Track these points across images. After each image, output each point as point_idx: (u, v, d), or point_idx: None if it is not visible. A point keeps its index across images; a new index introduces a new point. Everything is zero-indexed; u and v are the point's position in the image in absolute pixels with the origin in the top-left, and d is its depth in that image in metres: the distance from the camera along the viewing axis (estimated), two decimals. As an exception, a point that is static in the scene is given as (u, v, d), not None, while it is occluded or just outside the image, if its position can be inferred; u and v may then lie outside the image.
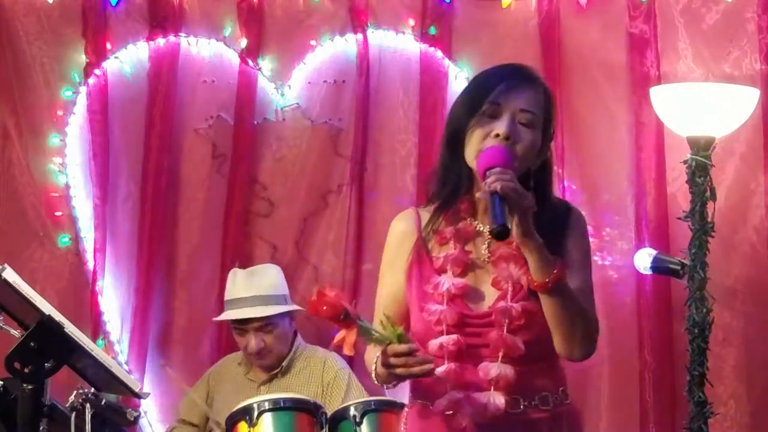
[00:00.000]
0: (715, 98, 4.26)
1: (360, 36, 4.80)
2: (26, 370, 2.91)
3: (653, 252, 4.38)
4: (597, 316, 2.61)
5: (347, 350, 2.47)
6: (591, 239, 4.52)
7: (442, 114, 4.57)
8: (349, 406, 3.93)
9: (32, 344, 2.92)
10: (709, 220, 4.32)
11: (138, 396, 3.58)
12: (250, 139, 4.84)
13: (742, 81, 4.55)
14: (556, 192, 4.47)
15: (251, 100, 4.84)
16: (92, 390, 3.49)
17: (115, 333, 4.85)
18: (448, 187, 2.61)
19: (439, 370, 2.50)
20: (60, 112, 4.88)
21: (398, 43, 4.82)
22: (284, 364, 4.35)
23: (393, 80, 4.82)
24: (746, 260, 4.68)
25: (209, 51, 4.87)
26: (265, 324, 4.29)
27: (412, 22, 4.79)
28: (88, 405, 3.49)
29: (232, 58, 4.85)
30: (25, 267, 4.71)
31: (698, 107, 4.26)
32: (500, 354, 2.53)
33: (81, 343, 3.07)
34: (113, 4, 4.86)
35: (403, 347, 2.45)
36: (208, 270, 4.84)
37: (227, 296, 4.38)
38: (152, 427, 4.82)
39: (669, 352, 4.64)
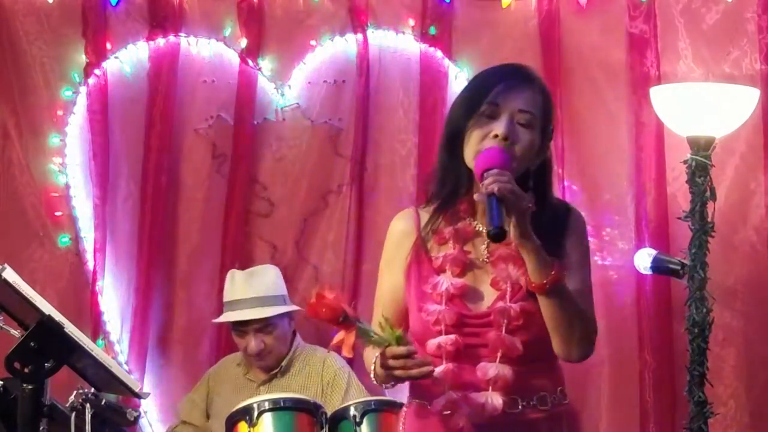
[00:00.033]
0: (715, 98, 4.26)
1: (360, 36, 4.80)
2: (26, 370, 2.91)
3: (653, 252, 4.38)
4: (595, 317, 2.61)
5: (346, 352, 2.48)
6: (591, 239, 4.55)
7: (442, 114, 4.57)
8: (349, 406, 3.93)
9: (32, 344, 2.92)
10: (709, 220, 4.32)
11: (138, 396, 3.59)
12: (250, 139, 4.84)
13: (742, 81, 4.55)
14: (556, 192, 4.49)
15: (251, 100, 4.84)
16: (92, 390, 3.49)
17: (115, 333, 4.85)
18: (447, 187, 2.61)
19: (437, 370, 2.50)
20: (60, 112, 4.88)
21: (398, 43, 4.82)
22: (283, 364, 4.35)
23: (393, 80, 4.82)
24: (746, 260, 4.68)
25: (209, 51, 4.87)
26: (265, 325, 4.29)
27: (412, 22, 4.80)
28: (88, 405, 3.49)
29: (232, 58, 4.85)
30: (25, 267, 4.71)
31: (698, 107, 4.26)
32: (498, 354, 2.53)
33: (81, 343, 3.08)
34: (113, 4, 4.86)
35: (401, 349, 2.45)
36: (208, 270, 4.84)
37: (226, 298, 4.38)
38: (152, 427, 4.82)
39: (669, 352, 4.64)
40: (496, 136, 2.51)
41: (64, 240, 4.89)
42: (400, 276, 2.65)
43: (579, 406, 4.65)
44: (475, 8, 4.80)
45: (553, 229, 2.58)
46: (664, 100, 4.38)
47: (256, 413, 3.85)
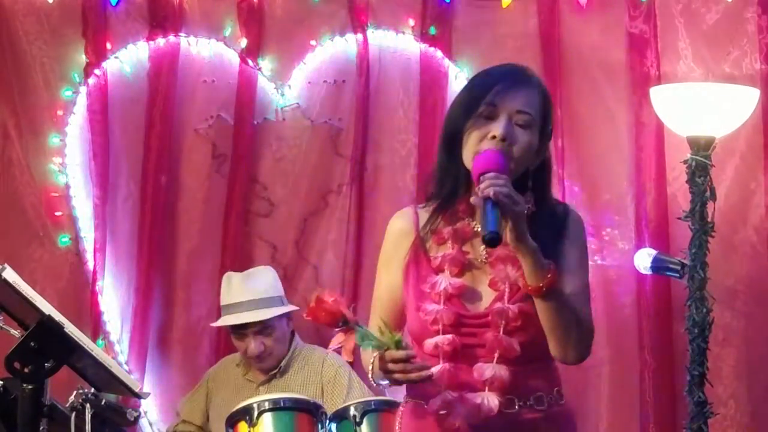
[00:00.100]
0: (715, 98, 4.26)
1: (360, 36, 4.80)
2: (26, 370, 2.91)
3: (653, 252, 4.38)
4: (592, 319, 2.61)
5: (346, 356, 2.48)
6: (591, 239, 4.60)
7: (442, 114, 4.56)
8: (349, 406, 3.94)
9: (32, 344, 2.92)
10: (709, 220, 4.32)
11: (138, 396, 3.59)
12: (250, 139, 4.84)
13: (742, 81, 4.55)
14: (557, 192, 4.50)
15: (251, 100, 4.84)
16: (92, 390, 3.49)
17: (115, 333, 4.85)
18: (446, 188, 2.61)
19: (434, 369, 2.50)
20: (60, 112, 4.88)
21: (398, 43, 4.82)
22: (282, 364, 4.34)
23: (393, 80, 4.83)
24: (746, 260, 4.68)
25: (209, 51, 4.87)
26: (264, 327, 4.28)
27: (412, 22, 4.80)
28: (88, 405, 3.49)
29: (232, 58, 4.85)
30: (25, 267, 4.71)
31: (698, 107, 4.26)
32: (496, 355, 2.53)
33: (81, 343, 3.08)
34: (113, 4, 4.86)
35: (400, 354, 2.45)
36: (208, 270, 4.84)
37: (223, 301, 4.37)
38: (152, 427, 4.82)
39: (669, 352, 4.64)
40: (494, 137, 2.51)
41: (64, 240, 4.89)
42: (398, 275, 2.65)
43: (579, 406, 4.65)
44: (475, 8, 4.80)
45: (551, 230, 2.58)
46: (664, 100, 4.38)
47: (256, 413, 3.86)
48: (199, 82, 4.88)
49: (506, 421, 2.54)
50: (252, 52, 4.83)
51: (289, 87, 4.85)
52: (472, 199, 2.48)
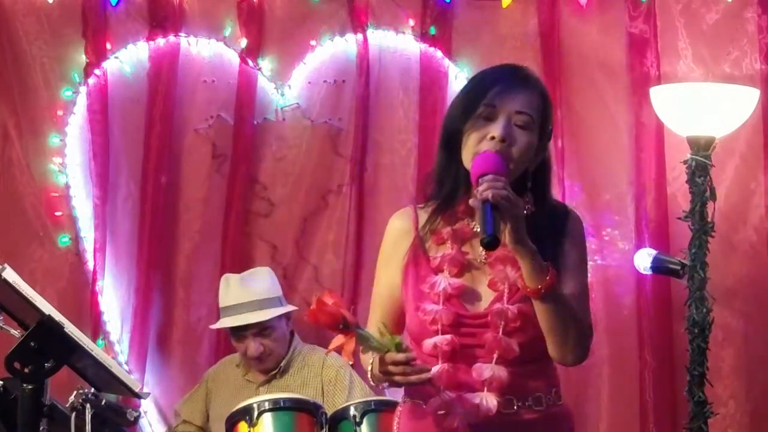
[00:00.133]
0: (715, 98, 4.26)
1: (360, 36, 4.80)
2: (26, 370, 2.92)
3: (653, 252, 4.38)
4: (591, 321, 2.61)
5: (346, 357, 2.48)
6: (591, 239, 4.60)
7: (442, 114, 4.53)
8: (349, 406, 3.94)
9: (32, 344, 2.92)
10: (709, 220, 4.33)
11: (138, 396, 3.59)
12: (250, 139, 4.84)
13: (742, 81, 4.55)
14: (557, 193, 4.51)
15: (251, 100, 4.84)
16: (92, 390, 3.49)
17: (115, 333, 4.84)
18: (445, 188, 2.61)
19: (433, 370, 2.51)
20: (60, 112, 4.88)
21: (398, 43, 4.82)
22: (282, 364, 4.34)
23: (393, 80, 4.83)
24: (746, 260, 4.68)
25: (209, 51, 4.87)
26: (263, 328, 4.28)
27: (412, 22, 4.80)
28: (88, 405, 3.49)
29: (232, 58, 4.85)
30: (25, 267, 4.71)
31: (698, 107, 4.26)
32: (495, 355, 2.53)
33: (81, 343, 3.08)
34: (113, 4, 4.86)
35: (401, 356, 2.46)
36: (208, 270, 4.84)
37: (222, 303, 4.36)
38: (152, 427, 4.82)
39: (669, 352, 4.64)
40: (493, 137, 2.51)
41: (64, 240, 4.89)
42: (397, 274, 2.65)
43: (579, 406, 4.66)
44: (475, 8, 4.80)
45: (551, 231, 2.58)
46: (664, 100, 4.38)
47: (256, 413, 3.86)
48: (199, 82, 4.88)
49: (505, 422, 2.54)
50: (252, 52, 4.83)
51: (289, 87, 4.85)
52: (471, 201, 2.48)
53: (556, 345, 2.53)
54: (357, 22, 4.80)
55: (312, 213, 4.84)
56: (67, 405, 3.52)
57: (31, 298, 3.07)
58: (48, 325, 2.96)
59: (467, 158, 2.54)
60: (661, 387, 4.64)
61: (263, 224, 4.86)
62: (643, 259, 4.36)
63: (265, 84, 4.85)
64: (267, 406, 3.89)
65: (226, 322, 4.31)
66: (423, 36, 4.78)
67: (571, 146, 4.72)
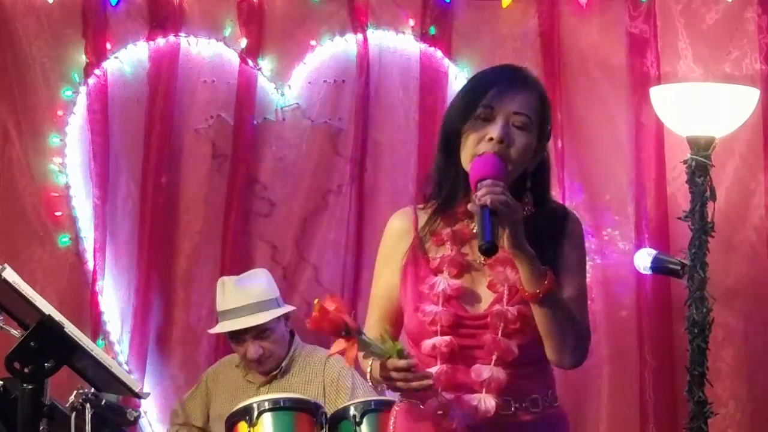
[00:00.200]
0: (715, 98, 4.26)
1: (360, 36, 4.80)
2: (26, 370, 2.91)
3: (653, 252, 4.38)
4: (589, 324, 2.61)
5: (348, 363, 2.49)
6: (591, 239, 4.60)
7: (442, 114, 4.55)
8: (349, 406, 3.94)
9: (32, 344, 2.92)
10: (709, 220, 4.33)
11: (138, 396, 3.59)
12: (250, 139, 4.84)
13: (742, 81, 4.55)
14: (556, 193, 4.51)
15: (251, 100, 4.84)
16: (92, 390, 3.49)
17: (115, 333, 4.84)
18: (444, 190, 2.61)
19: (432, 371, 2.51)
20: (60, 112, 4.88)
21: (398, 43, 4.82)
22: (283, 365, 4.33)
23: (393, 80, 4.83)
24: (746, 260, 4.68)
25: (209, 51, 4.87)
26: (262, 330, 4.26)
27: (412, 22, 4.80)
28: (88, 405, 3.49)
29: (232, 58, 4.85)
30: (25, 267, 4.71)
31: (698, 107, 4.26)
32: (494, 357, 2.53)
33: (81, 343, 3.08)
34: (113, 4, 4.86)
35: (402, 363, 2.46)
36: (208, 270, 4.84)
37: (219, 307, 4.34)
38: (152, 427, 4.82)
39: (669, 352, 4.64)
40: (491, 139, 2.51)
41: (64, 240, 4.89)
42: (396, 274, 2.65)
43: (579, 405, 4.66)
44: (475, 8, 4.80)
45: (550, 232, 2.58)
46: (664, 100, 4.38)
47: (255, 413, 3.86)
48: (199, 82, 4.88)
49: (502, 423, 2.54)
50: (252, 52, 4.83)
51: (289, 87, 4.85)
52: (470, 206, 2.48)
53: (554, 348, 2.53)
54: (357, 22, 4.80)
55: (312, 213, 4.84)
56: (67, 405, 3.52)
57: (31, 298, 3.07)
58: (48, 325, 2.96)
59: (466, 159, 2.54)
60: (661, 387, 4.64)
61: (263, 224, 4.86)
62: (643, 259, 4.36)
63: (265, 84, 4.85)
64: (267, 405, 3.88)
65: (224, 326, 4.29)
66: (423, 36, 4.78)
67: (571, 146, 4.72)
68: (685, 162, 4.35)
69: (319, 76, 4.84)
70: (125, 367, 4.74)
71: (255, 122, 4.84)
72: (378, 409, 3.87)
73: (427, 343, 2.56)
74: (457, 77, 4.73)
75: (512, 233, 2.43)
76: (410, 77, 4.80)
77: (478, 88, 2.58)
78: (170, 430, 4.53)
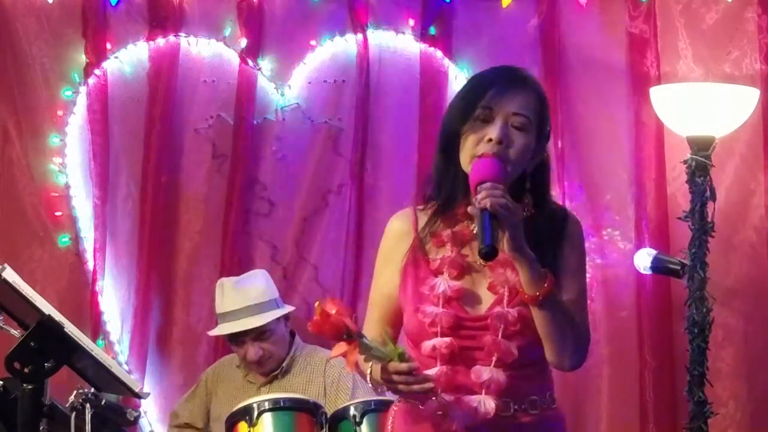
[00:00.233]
0: (715, 98, 4.26)
1: (360, 36, 4.80)
2: (26, 370, 2.92)
3: (653, 252, 4.38)
4: (589, 326, 2.61)
5: (349, 367, 2.48)
6: (591, 239, 4.60)
7: (442, 114, 4.56)
8: (349, 406, 3.93)
9: (32, 344, 2.92)
10: (709, 220, 4.33)
11: (138, 396, 3.59)
12: (250, 139, 4.84)
13: (742, 81, 4.55)
14: (556, 193, 4.51)
15: (251, 100, 4.84)
16: (92, 390, 3.49)
17: (115, 333, 4.85)
18: (444, 191, 2.60)
19: (431, 372, 2.51)
20: (60, 112, 4.88)
21: (398, 43, 4.82)
22: (284, 365, 4.33)
23: (393, 80, 4.83)
24: (746, 260, 4.68)
25: (209, 51, 4.87)
26: (261, 332, 4.25)
27: (412, 22, 4.80)
28: (88, 405, 3.49)
29: (232, 58, 4.85)
30: (25, 267, 4.71)
31: (698, 107, 4.26)
32: (494, 358, 2.53)
33: (81, 343, 3.08)
34: (113, 4, 4.86)
35: (404, 366, 2.46)
36: (208, 270, 4.84)
37: (218, 309, 4.33)
38: (152, 427, 4.82)
39: (669, 352, 4.64)
40: (490, 140, 2.51)
41: (64, 240, 4.89)
42: (395, 275, 2.65)
43: (579, 405, 4.66)
44: (475, 8, 4.81)
45: (550, 234, 2.57)
46: (664, 100, 4.38)
47: (255, 413, 3.86)
48: (199, 82, 4.88)
49: (501, 425, 2.54)
50: (252, 52, 4.83)
51: (289, 87, 4.85)
52: (469, 209, 2.48)
53: (554, 350, 2.53)
54: (357, 22, 4.81)
55: (312, 213, 4.84)
56: (67, 405, 3.52)
57: (31, 298, 3.07)
58: (48, 325, 2.96)
59: (465, 160, 2.54)
60: (661, 387, 4.64)
61: (263, 224, 4.86)
62: (643, 259, 4.36)
63: (265, 84, 4.85)
64: (267, 405, 3.88)
65: (223, 328, 4.29)
66: (423, 36, 4.78)
67: (571, 146, 4.72)
68: (685, 162, 4.35)
69: (319, 76, 4.84)
70: (125, 367, 4.74)
71: (255, 122, 4.85)
72: (378, 409, 3.86)
73: (427, 344, 2.56)
74: (457, 77, 4.73)
75: (512, 236, 2.43)
76: (410, 77, 4.80)
77: (476, 89, 2.58)
78: (170, 431, 4.53)
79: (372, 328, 2.65)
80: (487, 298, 2.58)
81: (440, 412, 2.53)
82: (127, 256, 4.87)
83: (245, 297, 4.27)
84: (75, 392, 3.54)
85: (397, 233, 2.68)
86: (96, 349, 3.24)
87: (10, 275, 3.08)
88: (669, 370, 4.63)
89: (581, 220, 2.73)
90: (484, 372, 2.52)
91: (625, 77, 4.73)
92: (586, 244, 2.75)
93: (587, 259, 2.76)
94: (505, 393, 2.54)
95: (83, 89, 4.86)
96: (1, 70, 4.89)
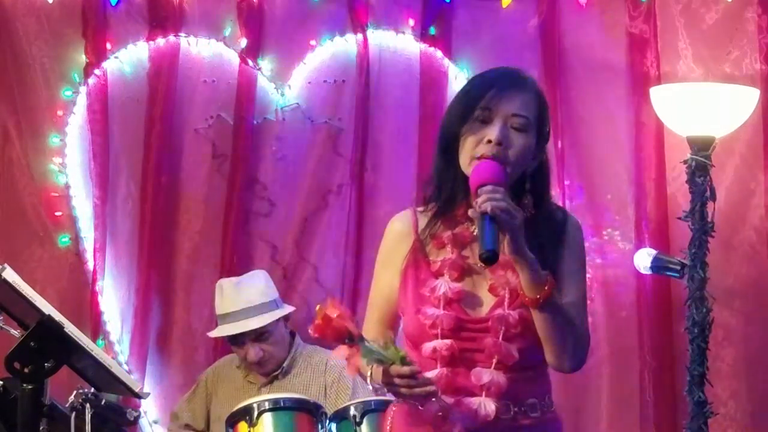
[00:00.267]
0: (715, 98, 4.26)
1: (360, 36, 4.80)
2: (26, 370, 2.91)
3: (653, 252, 4.38)
4: (589, 328, 2.61)
5: (351, 371, 2.48)
6: (591, 239, 4.60)
7: (441, 114, 4.56)
8: (349, 406, 3.94)
9: (32, 344, 2.92)
10: (709, 220, 4.33)
11: (138, 396, 3.59)
12: (250, 139, 4.84)
13: (742, 81, 4.55)
14: (557, 193, 4.51)
15: (251, 100, 4.84)
16: (92, 390, 3.49)
17: (115, 333, 4.85)
18: (444, 193, 2.60)
19: (431, 374, 2.51)
20: (60, 112, 4.88)
21: (398, 43, 4.82)
22: (285, 365, 4.32)
23: (393, 80, 4.83)
24: (746, 260, 4.68)
25: (209, 51, 4.87)
26: (261, 333, 4.25)
27: (412, 22, 4.80)
28: (88, 405, 3.49)
29: (232, 58, 4.85)
30: (25, 267, 4.70)
31: (698, 107, 4.26)
32: (494, 361, 2.53)
33: (81, 343, 3.08)
34: (113, 4, 4.86)
35: (406, 370, 2.46)
36: (208, 270, 4.84)
37: (218, 311, 4.32)
38: (152, 427, 4.82)
39: (669, 352, 4.64)
40: (489, 141, 2.51)
41: (64, 240, 4.89)
42: (395, 277, 2.65)
43: (579, 405, 4.66)
44: (475, 8, 4.81)
45: (549, 236, 2.57)
46: (664, 100, 4.38)
47: (256, 413, 3.86)
48: (199, 82, 4.88)
49: (501, 427, 2.54)
50: (252, 52, 4.84)
51: (289, 87, 4.85)
52: (470, 212, 2.48)
53: (554, 353, 2.53)
54: (357, 22, 4.81)
55: (312, 213, 4.84)
56: (67, 405, 3.52)
57: (31, 298, 3.07)
58: (48, 325, 2.96)
59: (465, 162, 2.54)
60: (661, 387, 4.64)
61: (263, 224, 4.86)
62: (643, 259, 4.36)
63: (265, 84, 4.85)
64: (267, 405, 3.88)
65: (223, 330, 4.28)
66: (423, 36, 4.78)
67: (571, 146, 4.72)
68: (685, 162, 4.35)
69: (319, 76, 4.84)
70: (125, 367, 4.74)
71: (255, 122, 4.85)
72: (378, 409, 3.86)
73: (428, 346, 2.55)
74: (457, 77, 4.73)
75: (513, 239, 2.43)
76: (410, 77, 4.81)
77: (475, 90, 2.59)
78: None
79: (371, 329, 2.65)
80: (487, 300, 2.57)
81: (440, 414, 2.52)
82: (127, 256, 4.87)
83: (245, 298, 4.26)
84: (75, 392, 3.54)
85: (397, 235, 2.68)
86: (96, 349, 3.24)
87: (10, 275, 3.08)
88: (669, 370, 4.63)
89: (581, 220, 2.73)
90: (485, 374, 2.52)
91: (625, 77, 4.73)
92: (586, 244, 2.75)
93: (587, 259, 2.76)
94: (506, 395, 2.53)
95: (83, 89, 4.86)
96: (1, 70, 4.89)
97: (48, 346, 2.93)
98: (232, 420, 3.94)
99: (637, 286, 4.68)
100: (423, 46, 4.78)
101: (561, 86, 4.69)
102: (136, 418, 3.81)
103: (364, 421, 3.86)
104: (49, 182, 4.89)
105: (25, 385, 2.93)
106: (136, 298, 4.84)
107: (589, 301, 2.80)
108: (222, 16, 4.86)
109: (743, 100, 4.32)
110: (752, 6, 4.66)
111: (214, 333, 4.36)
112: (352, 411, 3.89)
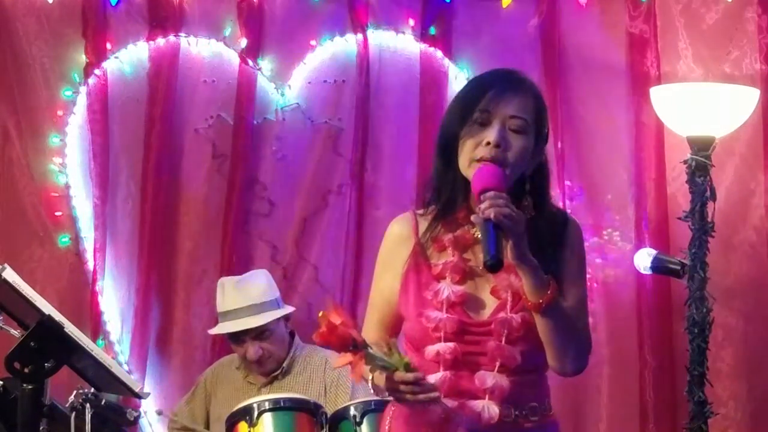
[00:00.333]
0: (715, 98, 4.27)
1: (360, 36, 4.80)
2: (26, 370, 2.92)
3: (653, 252, 4.38)
4: (590, 331, 2.62)
5: (354, 378, 2.48)
6: (591, 239, 4.60)
7: (441, 114, 4.56)
8: (349, 406, 3.94)
9: (32, 344, 2.92)
10: (709, 220, 4.33)
11: (138, 396, 3.59)
12: (250, 139, 4.84)
13: (742, 81, 4.55)
14: (557, 193, 4.51)
15: (251, 100, 4.84)
16: (92, 390, 3.49)
17: (115, 333, 4.85)
18: (444, 195, 2.60)
19: (435, 377, 2.51)
20: (60, 112, 4.88)
21: (398, 43, 4.82)
22: (284, 365, 4.32)
23: (393, 80, 4.83)
24: (746, 260, 4.68)
25: (209, 51, 4.87)
26: (261, 332, 4.25)
27: (412, 22, 4.80)
28: (88, 405, 3.50)
29: (232, 58, 4.85)
30: (25, 267, 4.71)
31: (698, 107, 4.26)
32: (497, 364, 2.53)
33: (81, 343, 3.08)
34: (113, 4, 4.86)
35: (410, 376, 2.46)
36: (208, 270, 4.84)
37: (219, 308, 4.33)
38: (152, 427, 4.82)
39: (669, 352, 4.64)
40: (488, 143, 2.51)
41: (64, 240, 4.89)
42: (396, 280, 2.64)
43: (579, 405, 4.66)
44: (475, 8, 4.81)
45: (550, 238, 2.57)
46: (664, 100, 4.38)
47: (256, 413, 3.86)
48: (199, 82, 4.88)
49: (504, 430, 2.54)
50: (252, 52, 4.84)
51: (289, 87, 4.85)
52: (473, 218, 2.48)
53: (556, 356, 2.53)
54: (357, 22, 4.81)
55: (312, 213, 4.84)
56: (67, 405, 3.53)
57: (31, 298, 3.07)
58: (48, 325, 2.96)
59: (464, 164, 2.54)
60: (661, 387, 4.64)
61: (263, 224, 4.86)
62: (643, 259, 4.36)
63: (265, 84, 4.85)
64: (267, 406, 3.89)
65: (224, 327, 4.29)
66: (423, 36, 4.78)
67: (571, 146, 4.72)
68: (685, 162, 4.35)
69: (319, 76, 4.84)
70: (125, 367, 4.74)
71: (255, 122, 4.85)
72: (378, 409, 3.86)
73: (431, 349, 2.55)
74: (457, 77, 4.73)
75: (516, 244, 2.43)
76: (410, 77, 4.81)
77: (474, 92, 2.58)
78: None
79: (371, 331, 2.65)
80: (490, 303, 2.57)
81: (443, 417, 2.52)
82: (127, 256, 4.87)
83: (246, 296, 4.27)
84: (75, 392, 3.54)
85: (397, 238, 2.68)
86: (96, 349, 3.24)
87: (10, 275, 3.08)
88: (669, 370, 4.63)
89: (581, 220, 2.73)
90: (489, 377, 2.52)
91: (625, 77, 4.73)
92: (586, 244, 2.75)
93: (587, 259, 2.76)
94: (508, 399, 2.54)
95: (83, 89, 4.86)
96: (1, 70, 4.89)
97: (48, 346, 2.93)
98: (232, 420, 3.94)
99: (637, 286, 4.68)
100: (423, 46, 4.78)
101: (561, 86, 4.69)
102: (136, 418, 3.82)
103: (364, 421, 3.86)
104: (49, 182, 4.89)
105: (25, 385, 2.93)
106: (136, 298, 4.84)
107: (589, 302, 2.79)
108: (222, 16, 4.86)
109: (743, 100, 4.32)
110: (752, 6, 4.66)
111: (215, 330, 4.36)
112: (352, 411, 3.89)
